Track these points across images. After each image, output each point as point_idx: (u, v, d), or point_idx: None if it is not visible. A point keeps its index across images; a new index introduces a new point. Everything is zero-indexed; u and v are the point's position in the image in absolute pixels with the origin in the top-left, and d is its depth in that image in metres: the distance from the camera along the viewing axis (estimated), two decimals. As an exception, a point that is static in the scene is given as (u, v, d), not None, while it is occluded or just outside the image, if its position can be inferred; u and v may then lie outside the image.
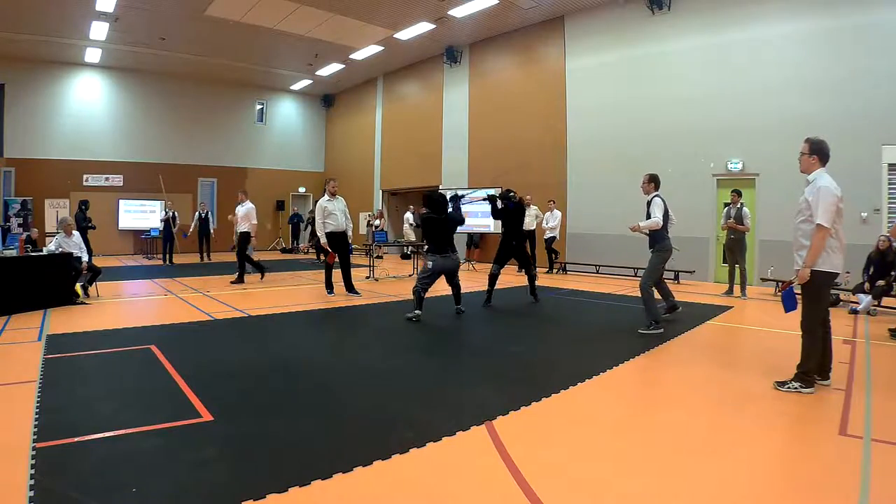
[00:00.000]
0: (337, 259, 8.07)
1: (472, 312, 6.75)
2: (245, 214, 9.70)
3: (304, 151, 20.62)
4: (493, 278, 7.60)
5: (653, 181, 6.04)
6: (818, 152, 3.77)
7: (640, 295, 5.78)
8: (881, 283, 6.93)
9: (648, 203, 5.99)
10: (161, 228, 13.85)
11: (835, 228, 3.63)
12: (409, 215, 15.19)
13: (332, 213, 7.92)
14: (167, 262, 13.16)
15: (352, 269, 8.29)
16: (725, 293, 8.56)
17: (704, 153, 10.26)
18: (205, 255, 14.51)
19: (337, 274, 8.28)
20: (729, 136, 9.93)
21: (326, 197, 8.02)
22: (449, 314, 6.75)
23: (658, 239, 5.87)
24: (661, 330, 5.62)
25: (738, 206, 8.38)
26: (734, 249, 8.45)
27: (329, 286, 8.19)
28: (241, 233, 9.72)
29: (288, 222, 18.64)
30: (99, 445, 2.69)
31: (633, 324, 6.35)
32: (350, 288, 8.14)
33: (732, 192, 8.60)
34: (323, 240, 7.91)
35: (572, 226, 12.25)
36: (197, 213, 14.83)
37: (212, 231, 14.55)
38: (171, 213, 13.61)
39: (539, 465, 2.53)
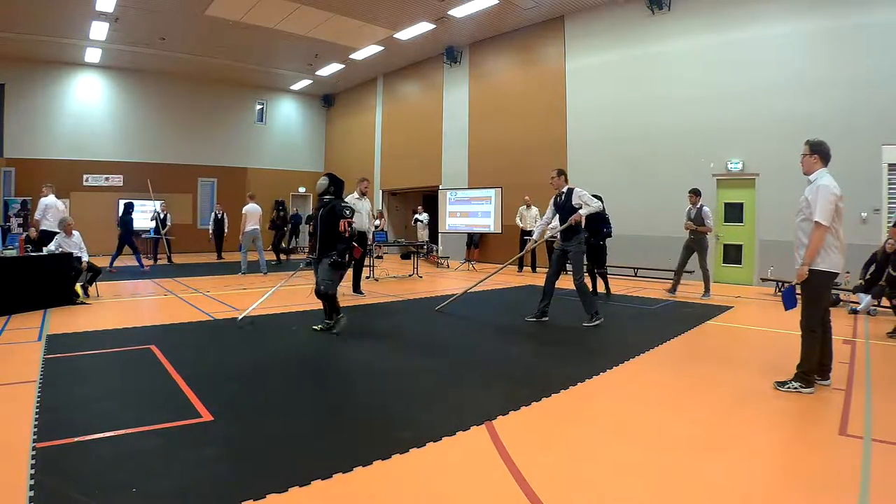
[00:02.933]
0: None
1: (472, 313, 6.74)
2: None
3: (304, 151, 20.61)
4: (591, 272, 8.08)
5: (562, 174, 6.24)
6: (819, 152, 3.78)
7: (584, 292, 6.09)
8: (882, 283, 6.91)
9: (565, 195, 6.08)
10: (153, 228, 13.95)
11: (834, 228, 3.64)
12: (421, 216, 15.30)
13: (357, 212, 7.99)
14: (168, 261, 13.22)
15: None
16: (703, 295, 8.46)
17: (704, 153, 10.26)
18: (222, 253, 14.94)
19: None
20: (729, 136, 9.93)
21: (356, 195, 8.11)
22: (448, 315, 6.75)
23: (578, 232, 6.04)
24: (602, 319, 5.95)
25: (698, 206, 8.34)
26: (693, 248, 8.38)
27: (356, 286, 8.20)
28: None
29: (288, 222, 18.64)
30: (99, 445, 2.69)
31: (632, 324, 6.35)
32: (357, 288, 8.16)
33: (690, 192, 8.50)
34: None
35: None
36: (213, 214, 15.13)
37: (226, 231, 14.87)
38: (162, 214, 13.73)
39: (539, 465, 2.53)
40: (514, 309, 7.57)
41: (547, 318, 6.26)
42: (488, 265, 13.46)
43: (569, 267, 6.34)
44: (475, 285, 7.67)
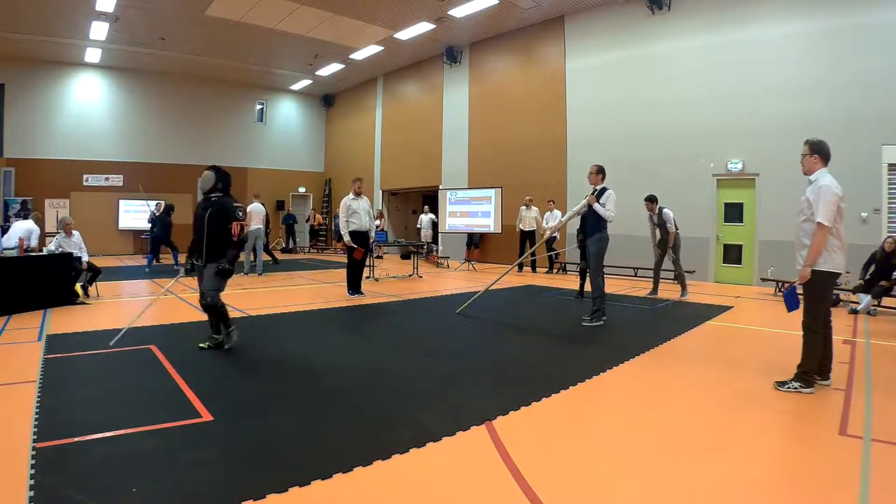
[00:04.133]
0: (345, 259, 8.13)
1: (472, 313, 6.74)
2: None
3: (304, 151, 20.62)
4: (583, 273, 8.03)
5: (601, 172, 6.21)
6: (819, 152, 3.78)
7: (598, 292, 6.09)
8: (884, 283, 6.92)
9: (598, 193, 6.06)
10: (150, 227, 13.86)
11: (836, 228, 3.63)
12: (426, 217, 15.33)
13: (355, 212, 8.00)
14: (157, 262, 13.21)
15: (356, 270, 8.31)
16: (651, 293, 8.45)
17: (704, 153, 10.26)
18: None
19: (340, 274, 8.27)
20: (729, 136, 9.93)
21: (351, 195, 8.10)
22: (449, 315, 6.74)
23: (602, 227, 6.05)
24: (602, 322, 6.00)
25: (658, 212, 8.16)
26: (667, 248, 8.23)
27: (356, 286, 8.14)
28: None
29: (282, 223, 18.65)
30: (99, 445, 2.69)
31: (632, 324, 6.35)
32: (357, 288, 8.16)
33: (645, 200, 8.27)
34: (346, 238, 7.94)
35: (571, 226, 12.24)
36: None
37: None
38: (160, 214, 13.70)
39: (539, 465, 2.53)
40: (513, 309, 7.57)
41: (605, 318, 6.17)
42: (488, 265, 13.48)
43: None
44: (494, 283, 7.61)
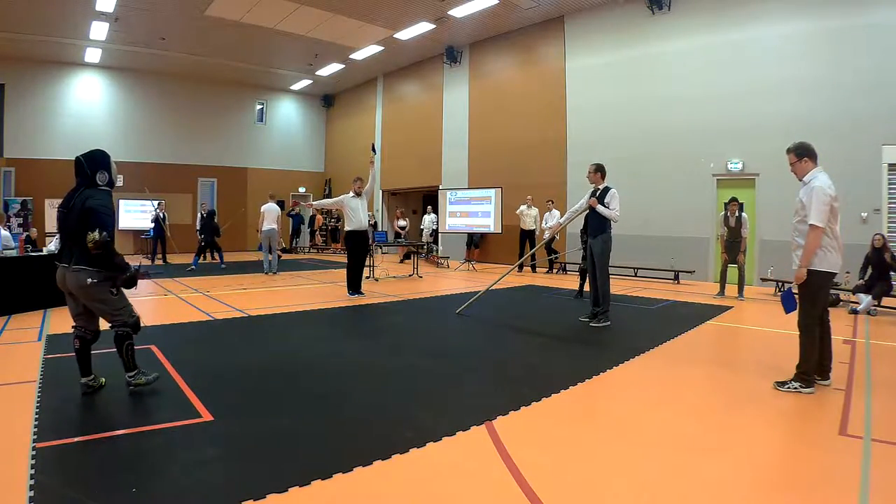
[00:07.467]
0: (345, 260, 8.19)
1: (472, 313, 6.74)
2: None
3: (304, 151, 20.63)
4: (583, 273, 8.01)
5: (599, 171, 6.20)
6: (806, 154, 3.82)
7: (603, 291, 6.08)
8: (883, 284, 6.93)
9: (601, 192, 6.04)
10: (152, 227, 13.84)
11: (830, 228, 3.64)
12: (428, 217, 15.32)
13: (353, 210, 8.04)
14: (163, 262, 13.23)
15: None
16: (719, 294, 8.45)
17: (704, 153, 10.26)
18: (208, 254, 14.71)
19: (340, 274, 8.28)
20: (729, 136, 9.92)
21: (351, 194, 8.14)
22: (449, 315, 6.74)
23: (607, 227, 6.02)
24: (608, 323, 5.99)
25: (737, 215, 8.22)
26: (738, 252, 8.28)
27: (356, 286, 8.16)
28: None
29: (287, 215, 18.60)
30: (99, 445, 2.69)
31: (632, 324, 6.35)
32: (357, 288, 8.17)
33: (735, 201, 8.34)
34: (316, 205, 8.45)
35: (571, 226, 12.22)
36: (199, 214, 15.02)
37: (220, 226, 14.76)
38: (161, 213, 13.69)
39: (539, 465, 2.53)
40: (513, 309, 7.57)
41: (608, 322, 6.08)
42: (488, 265, 13.48)
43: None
44: (494, 284, 7.60)
